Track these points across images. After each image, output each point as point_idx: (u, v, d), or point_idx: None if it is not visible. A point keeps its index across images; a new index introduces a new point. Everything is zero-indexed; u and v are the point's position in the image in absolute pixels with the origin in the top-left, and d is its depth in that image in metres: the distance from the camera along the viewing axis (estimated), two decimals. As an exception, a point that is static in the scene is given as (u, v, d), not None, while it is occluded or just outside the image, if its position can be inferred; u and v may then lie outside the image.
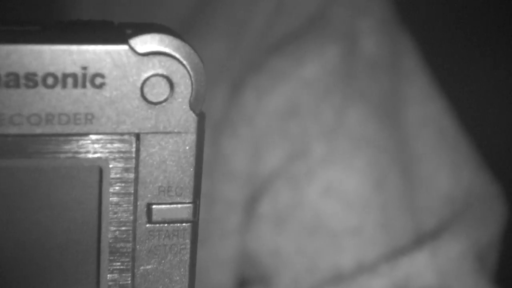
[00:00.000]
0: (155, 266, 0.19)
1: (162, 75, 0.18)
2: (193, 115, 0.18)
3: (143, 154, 0.18)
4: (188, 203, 0.19)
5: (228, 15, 0.52)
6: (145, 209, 0.19)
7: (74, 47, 0.17)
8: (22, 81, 0.17)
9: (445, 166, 0.53)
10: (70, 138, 0.18)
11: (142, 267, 0.19)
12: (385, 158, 0.50)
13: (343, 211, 0.49)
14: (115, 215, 0.19)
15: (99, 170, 0.18)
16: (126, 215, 0.19)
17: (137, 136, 0.18)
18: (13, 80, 0.17)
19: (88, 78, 0.17)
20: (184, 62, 0.18)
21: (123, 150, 0.18)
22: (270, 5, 0.52)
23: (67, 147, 0.18)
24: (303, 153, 0.49)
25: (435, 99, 0.54)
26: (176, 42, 0.18)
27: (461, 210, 0.52)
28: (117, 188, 0.18)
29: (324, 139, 0.50)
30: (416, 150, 0.53)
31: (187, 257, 0.19)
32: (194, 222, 0.19)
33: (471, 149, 0.54)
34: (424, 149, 0.53)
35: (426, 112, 0.54)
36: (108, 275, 0.19)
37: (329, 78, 0.50)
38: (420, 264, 0.47)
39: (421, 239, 0.49)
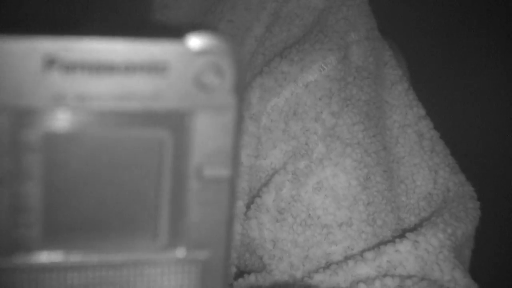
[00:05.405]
0: (203, 214, 0.24)
1: (213, 66, 0.23)
2: (235, 97, 0.23)
3: (195, 128, 0.23)
4: (230, 164, 0.24)
5: (230, 22, 0.56)
6: (196, 170, 0.24)
7: (146, 43, 0.22)
8: (103, 67, 0.22)
9: (423, 168, 0.56)
10: (139, 114, 0.23)
11: (191, 215, 0.24)
12: (370, 159, 0.53)
13: (334, 206, 0.52)
14: (172, 175, 0.24)
15: (161, 139, 0.23)
16: (180, 175, 0.24)
17: (191, 114, 0.23)
18: (95, 67, 0.22)
19: (155, 67, 0.23)
20: (230, 56, 0.23)
21: (180, 124, 0.23)
22: (267, 16, 0.56)
23: (136, 121, 0.23)
24: (304, 152, 0.52)
25: (413, 107, 0.57)
26: (223, 39, 0.23)
27: (438, 208, 0.55)
28: (174, 154, 0.24)
29: (321, 140, 0.52)
30: (397, 153, 0.56)
31: (228, 207, 0.24)
32: (234, 179, 0.24)
33: (446, 154, 0.57)
34: (404, 153, 0.56)
35: (405, 119, 0.57)
36: (165, 222, 0.24)
37: (327, 83, 0.53)
38: (403, 253, 0.49)
39: (403, 232, 0.52)
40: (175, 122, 0.23)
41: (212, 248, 0.24)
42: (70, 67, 0.22)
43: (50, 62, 0.22)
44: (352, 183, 0.52)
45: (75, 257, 0.24)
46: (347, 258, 0.51)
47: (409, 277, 0.49)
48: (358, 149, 0.53)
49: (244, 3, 0.56)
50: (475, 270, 0.54)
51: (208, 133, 0.23)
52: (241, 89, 0.23)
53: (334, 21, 0.55)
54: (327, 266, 0.51)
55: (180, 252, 0.24)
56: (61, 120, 0.22)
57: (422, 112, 0.58)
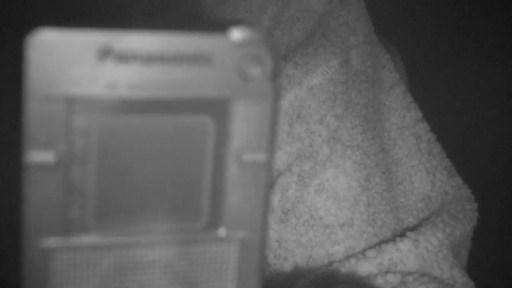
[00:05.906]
0: (241, 196, 0.26)
1: (254, 56, 0.25)
2: (273, 86, 0.25)
3: (236, 115, 0.25)
4: (267, 150, 0.26)
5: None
6: (236, 155, 0.26)
7: (193, 35, 0.24)
8: (153, 58, 0.24)
9: (421, 170, 0.57)
10: (184, 102, 0.25)
11: (231, 197, 0.26)
12: (370, 161, 0.55)
13: (335, 207, 0.53)
14: (214, 160, 0.25)
15: (204, 125, 0.25)
16: (221, 160, 0.25)
17: (232, 101, 0.25)
18: (145, 58, 0.24)
19: (201, 58, 0.24)
20: (269, 47, 0.25)
21: (222, 112, 0.25)
22: (268, 20, 0.57)
23: (182, 109, 0.25)
24: (309, 154, 0.53)
25: (411, 110, 0.59)
26: (262, 32, 0.25)
27: (437, 209, 0.56)
28: (216, 140, 0.25)
29: (325, 142, 0.54)
30: (395, 155, 0.57)
31: (265, 189, 0.26)
32: (271, 163, 0.26)
33: (443, 157, 0.59)
34: (402, 155, 0.57)
35: (403, 122, 0.58)
36: (207, 203, 0.26)
37: (331, 87, 0.54)
38: (403, 251, 0.50)
39: (403, 232, 0.53)
40: (218, 110, 0.25)
41: (250, 227, 0.26)
42: (123, 58, 0.23)
43: (105, 53, 0.23)
44: (352, 184, 0.53)
45: (124, 238, 0.25)
46: (349, 257, 0.52)
47: (410, 273, 0.50)
48: (358, 151, 0.54)
49: (245, 6, 0.58)
50: (472, 270, 0.55)
51: (247, 120, 0.25)
52: (278, 78, 0.25)
53: (336, 25, 0.57)
54: (330, 264, 0.52)
55: (221, 232, 0.26)
56: (113, 108, 0.24)
57: (420, 114, 0.59)
